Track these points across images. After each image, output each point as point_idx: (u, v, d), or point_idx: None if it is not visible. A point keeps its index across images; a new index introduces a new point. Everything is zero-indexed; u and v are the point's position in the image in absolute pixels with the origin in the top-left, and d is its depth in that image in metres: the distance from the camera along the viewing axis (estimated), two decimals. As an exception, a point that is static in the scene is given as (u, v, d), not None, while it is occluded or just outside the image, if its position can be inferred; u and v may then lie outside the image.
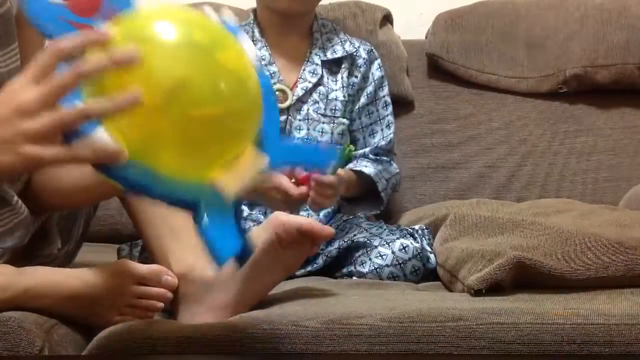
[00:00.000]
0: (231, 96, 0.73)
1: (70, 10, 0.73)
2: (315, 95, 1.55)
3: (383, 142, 1.59)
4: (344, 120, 1.57)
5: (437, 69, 1.82)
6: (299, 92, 1.55)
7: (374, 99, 1.61)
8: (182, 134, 0.71)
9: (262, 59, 1.55)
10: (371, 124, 1.60)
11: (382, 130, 1.60)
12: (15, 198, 1.06)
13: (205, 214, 0.74)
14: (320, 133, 1.55)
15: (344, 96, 1.57)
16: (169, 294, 1.03)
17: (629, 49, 1.75)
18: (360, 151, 1.60)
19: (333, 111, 1.56)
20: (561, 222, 1.16)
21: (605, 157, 1.77)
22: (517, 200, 1.62)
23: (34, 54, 1.10)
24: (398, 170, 1.61)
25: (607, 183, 1.75)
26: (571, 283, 1.06)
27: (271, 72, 1.54)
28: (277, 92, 1.52)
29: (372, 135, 1.60)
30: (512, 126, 1.78)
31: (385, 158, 1.59)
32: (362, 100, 1.60)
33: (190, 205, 0.75)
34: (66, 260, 1.18)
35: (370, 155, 1.59)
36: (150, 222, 1.10)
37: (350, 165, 1.55)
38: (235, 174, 0.76)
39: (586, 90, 1.79)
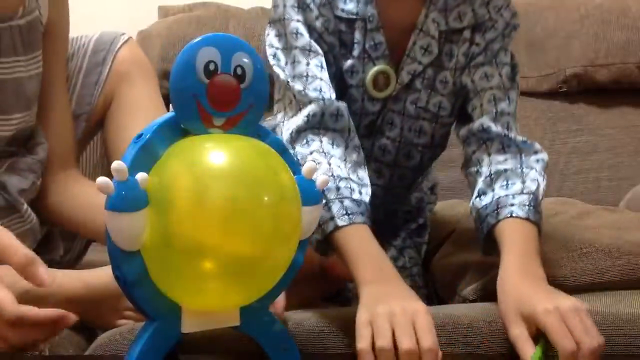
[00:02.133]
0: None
1: (208, 98, 0.72)
2: (418, 82, 1.10)
3: (508, 107, 1.08)
4: (450, 120, 1.14)
5: (438, 69, 1.82)
6: (404, 77, 1.09)
7: (492, 60, 1.10)
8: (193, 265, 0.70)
9: (370, 20, 1.06)
10: (485, 74, 1.09)
11: (501, 77, 1.09)
12: (25, 207, 1.06)
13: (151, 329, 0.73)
14: (417, 134, 1.13)
15: (454, 82, 1.11)
16: None
17: (629, 49, 1.75)
18: (480, 124, 1.07)
19: (437, 107, 1.12)
20: (557, 227, 1.15)
21: (606, 156, 1.77)
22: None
23: (57, 64, 1.12)
24: (544, 157, 1.08)
25: (608, 182, 1.75)
26: (568, 289, 1.05)
27: (376, 42, 1.07)
28: (378, 75, 1.08)
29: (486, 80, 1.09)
30: (512, 126, 1.78)
31: (520, 141, 1.07)
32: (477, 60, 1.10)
33: (146, 314, 0.74)
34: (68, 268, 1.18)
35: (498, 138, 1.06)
36: None
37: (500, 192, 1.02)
38: (204, 316, 0.75)
39: (586, 90, 1.79)
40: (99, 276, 1.00)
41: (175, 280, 0.71)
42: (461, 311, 0.95)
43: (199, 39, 0.73)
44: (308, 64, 1.03)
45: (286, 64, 1.05)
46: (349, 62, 1.08)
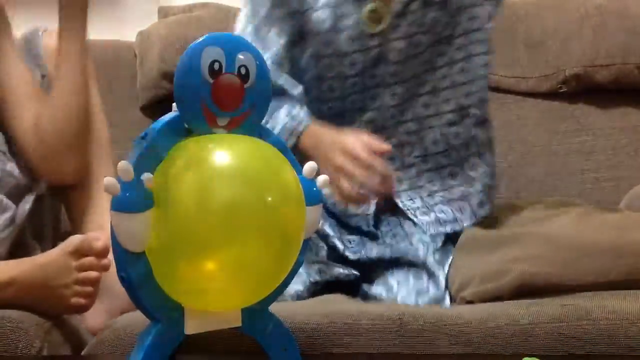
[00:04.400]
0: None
1: (213, 98, 0.72)
2: (414, 5, 1.16)
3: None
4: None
5: (437, 69, 1.82)
6: (397, 6, 1.16)
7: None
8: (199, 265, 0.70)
9: None
10: None
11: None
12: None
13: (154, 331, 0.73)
14: (416, 46, 1.20)
15: None
16: (105, 261, 1.01)
17: (629, 49, 1.74)
18: None
19: (434, 19, 1.19)
20: (559, 229, 1.15)
21: (605, 156, 1.77)
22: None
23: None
24: None
25: (607, 183, 1.75)
26: (571, 288, 1.05)
27: None
28: (369, 12, 1.16)
29: None
30: (512, 126, 1.78)
31: None
32: None
33: (150, 315, 0.74)
34: None
35: None
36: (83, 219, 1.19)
37: None
38: (206, 317, 0.75)
39: (586, 90, 1.79)
40: (47, 255, 1.01)
41: (178, 281, 0.71)
42: (466, 312, 0.95)
43: (203, 38, 0.72)
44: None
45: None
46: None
